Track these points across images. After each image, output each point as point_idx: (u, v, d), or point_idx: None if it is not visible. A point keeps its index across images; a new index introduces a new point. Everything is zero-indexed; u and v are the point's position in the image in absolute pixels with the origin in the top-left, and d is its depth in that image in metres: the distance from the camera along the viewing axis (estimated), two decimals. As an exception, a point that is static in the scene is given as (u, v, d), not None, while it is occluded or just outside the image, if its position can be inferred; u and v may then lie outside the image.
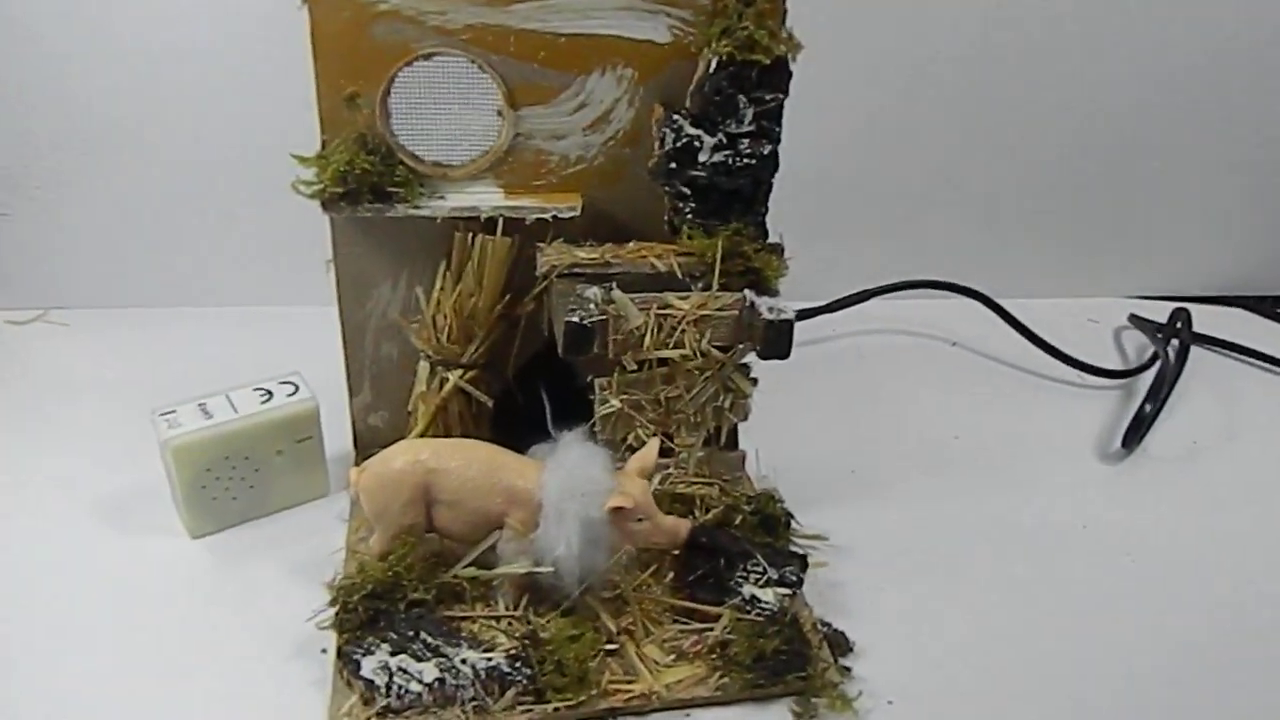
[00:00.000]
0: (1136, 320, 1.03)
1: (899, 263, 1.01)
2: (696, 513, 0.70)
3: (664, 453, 0.71)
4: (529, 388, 0.73)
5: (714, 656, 0.61)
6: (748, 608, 0.62)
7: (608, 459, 0.61)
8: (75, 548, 0.68)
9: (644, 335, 0.65)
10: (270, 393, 0.70)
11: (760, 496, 0.70)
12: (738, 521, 0.69)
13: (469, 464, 0.61)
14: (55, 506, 0.71)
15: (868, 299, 0.98)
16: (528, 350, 0.73)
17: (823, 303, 0.97)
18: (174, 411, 0.68)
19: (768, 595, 0.63)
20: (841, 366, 0.95)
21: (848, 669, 0.62)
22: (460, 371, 0.71)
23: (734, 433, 0.73)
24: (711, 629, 0.62)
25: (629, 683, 0.59)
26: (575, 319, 0.63)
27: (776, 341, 0.65)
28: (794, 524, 0.70)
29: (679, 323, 0.66)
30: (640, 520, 0.60)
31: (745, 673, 0.59)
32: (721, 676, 0.60)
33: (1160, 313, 1.03)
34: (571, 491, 0.59)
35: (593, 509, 0.59)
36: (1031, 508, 0.77)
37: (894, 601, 0.68)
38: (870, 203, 1.01)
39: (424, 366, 0.71)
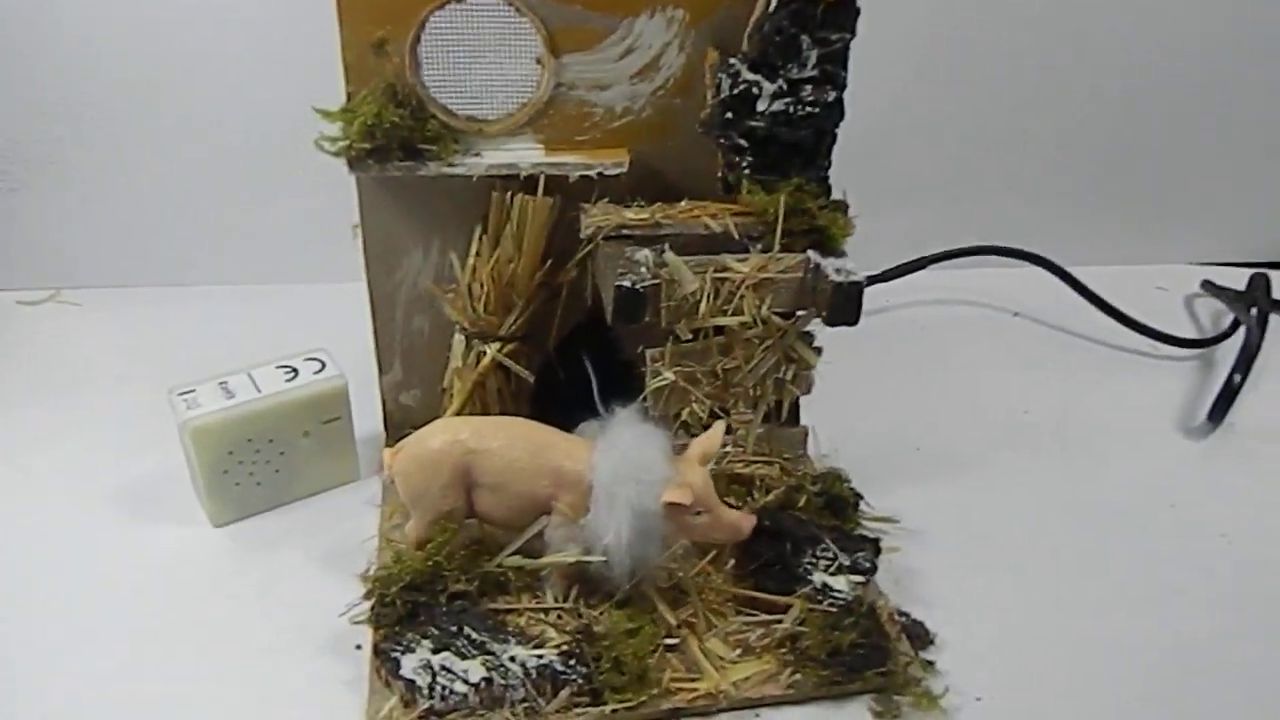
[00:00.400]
0: (1211, 287, 0.97)
1: (949, 229, 0.95)
2: (755, 494, 0.65)
3: (720, 430, 0.66)
4: (571, 362, 0.68)
5: (784, 651, 0.56)
6: (819, 597, 0.57)
7: (665, 441, 0.55)
8: (90, 537, 0.64)
9: (699, 301, 0.60)
10: (295, 370, 0.65)
11: (826, 476, 0.65)
12: (801, 503, 0.63)
13: (512, 443, 0.56)
14: (68, 495, 0.67)
15: (922, 267, 0.92)
16: (570, 321, 0.68)
17: (875, 271, 0.91)
18: (193, 391, 0.63)
19: (840, 583, 0.58)
20: (898, 339, 0.89)
21: (930, 663, 0.56)
22: (498, 344, 0.65)
23: (795, 407, 0.67)
24: (780, 621, 0.56)
25: (692, 681, 0.54)
26: (626, 283, 0.58)
27: (844, 306, 0.60)
28: (863, 506, 0.64)
29: (738, 287, 0.60)
30: (699, 514, 0.55)
31: (820, 669, 0.54)
32: (793, 673, 0.55)
33: (1230, 279, 0.97)
34: (624, 477, 0.54)
35: (647, 499, 0.53)
36: (1114, 485, 0.72)
37: (973, 588, 0.63)
38: (921, 165, 0.95)
39: (459, 340, 0.66)
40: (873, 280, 0.91)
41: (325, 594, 0.58)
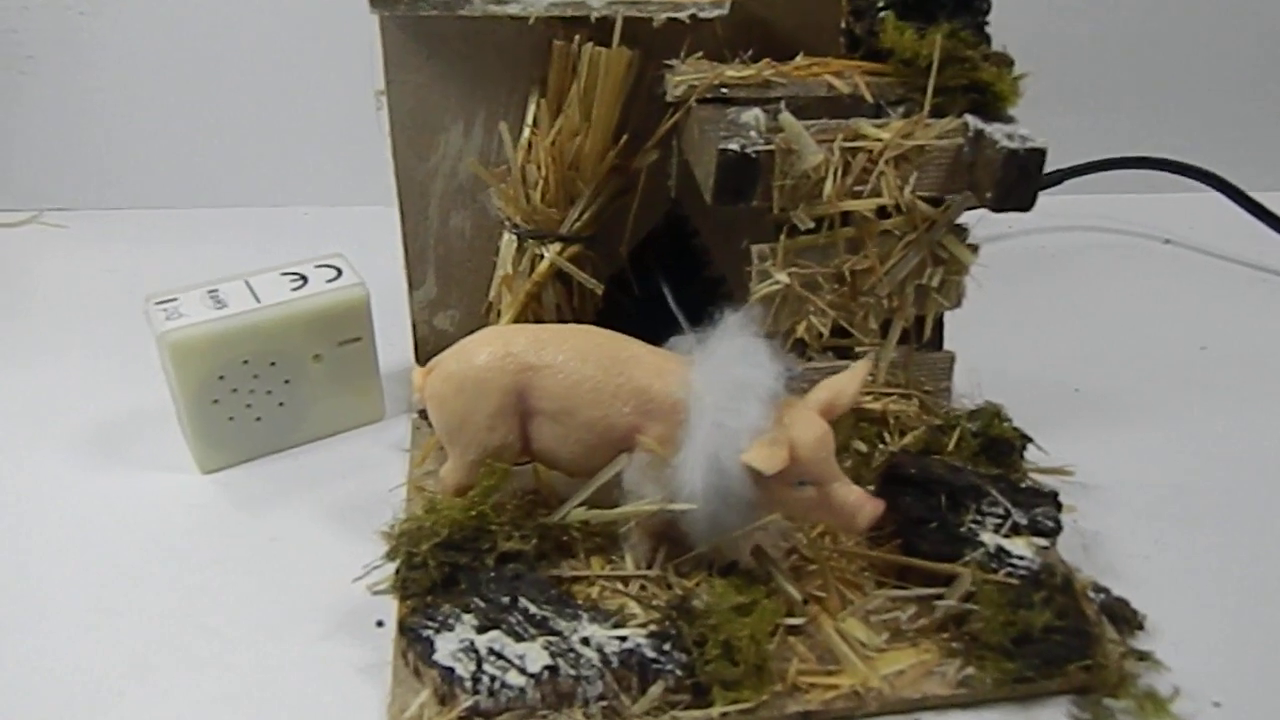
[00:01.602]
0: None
1: (1081, 139, 0.80)
2: (889, 435, 0.51)
3: (842, 353, 0.51)
4: (648, 272, 0.55)
5: (947, 636, 0.42)
6: (993, 565, 0.43)
7: (777, 373, 0.40)
8: (55, 483, 0.53)
9: (824, 179, 0.46)
10: (304, 278, 0.52)
11: (983, 412, 0.50)
12: (950, 446, 0.49)
13: (582, 357, 0.43)
14: (39, 433, 0.56)
15: (1058, 182, 0.77)
16: (648, 220, 0.54)
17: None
18: (175, 299, 0.50)
19: (1019, 547, 0.43)
20: (1030, 268, 0.75)
21: (1146, 654, 0.42)
22: (559, 246, 0.52)
23: (939, 325, 0.53)
24: (941, 596, 0.42)
25: (828, 675, 0.40)
26: (733, 147, 0.44)
27: (1019, 183, 0.45)
28: (1031, 451, 0.50)
29: (874, 160, 0.46)
30: (803, 484, 0.41)
31: (1002, 660, 0.40)
32: (964, 665, 0.41)
33: None
34: (709, 410, 0.40)
35: (726, 453, 0.39)
36: (1337, 433, 0.57)
37: (1176, 558, 0.49)
38: (1064, 58, 0.80)
39: (509, 241, 0.53)
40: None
41: (338, 557, 0.47)
